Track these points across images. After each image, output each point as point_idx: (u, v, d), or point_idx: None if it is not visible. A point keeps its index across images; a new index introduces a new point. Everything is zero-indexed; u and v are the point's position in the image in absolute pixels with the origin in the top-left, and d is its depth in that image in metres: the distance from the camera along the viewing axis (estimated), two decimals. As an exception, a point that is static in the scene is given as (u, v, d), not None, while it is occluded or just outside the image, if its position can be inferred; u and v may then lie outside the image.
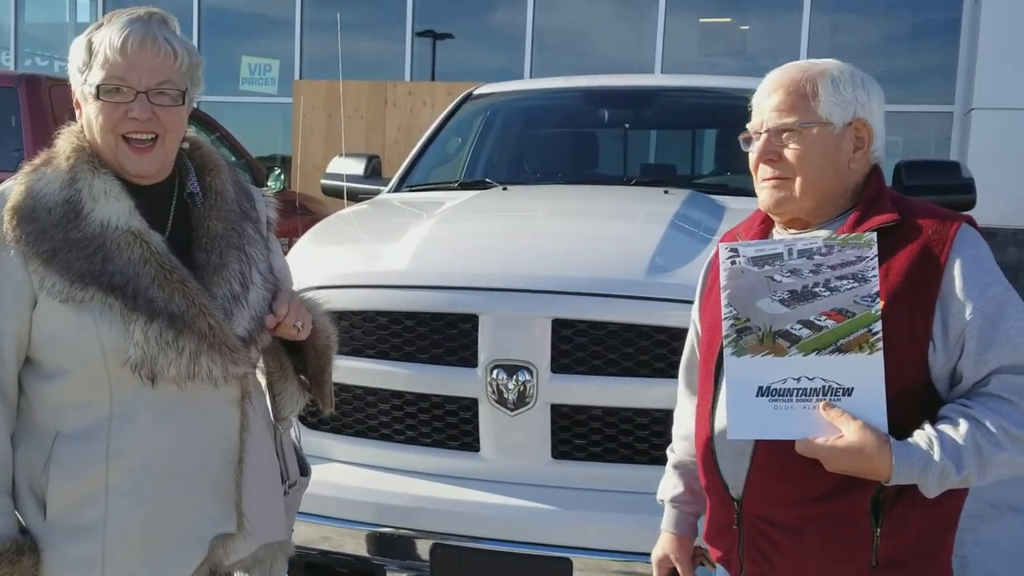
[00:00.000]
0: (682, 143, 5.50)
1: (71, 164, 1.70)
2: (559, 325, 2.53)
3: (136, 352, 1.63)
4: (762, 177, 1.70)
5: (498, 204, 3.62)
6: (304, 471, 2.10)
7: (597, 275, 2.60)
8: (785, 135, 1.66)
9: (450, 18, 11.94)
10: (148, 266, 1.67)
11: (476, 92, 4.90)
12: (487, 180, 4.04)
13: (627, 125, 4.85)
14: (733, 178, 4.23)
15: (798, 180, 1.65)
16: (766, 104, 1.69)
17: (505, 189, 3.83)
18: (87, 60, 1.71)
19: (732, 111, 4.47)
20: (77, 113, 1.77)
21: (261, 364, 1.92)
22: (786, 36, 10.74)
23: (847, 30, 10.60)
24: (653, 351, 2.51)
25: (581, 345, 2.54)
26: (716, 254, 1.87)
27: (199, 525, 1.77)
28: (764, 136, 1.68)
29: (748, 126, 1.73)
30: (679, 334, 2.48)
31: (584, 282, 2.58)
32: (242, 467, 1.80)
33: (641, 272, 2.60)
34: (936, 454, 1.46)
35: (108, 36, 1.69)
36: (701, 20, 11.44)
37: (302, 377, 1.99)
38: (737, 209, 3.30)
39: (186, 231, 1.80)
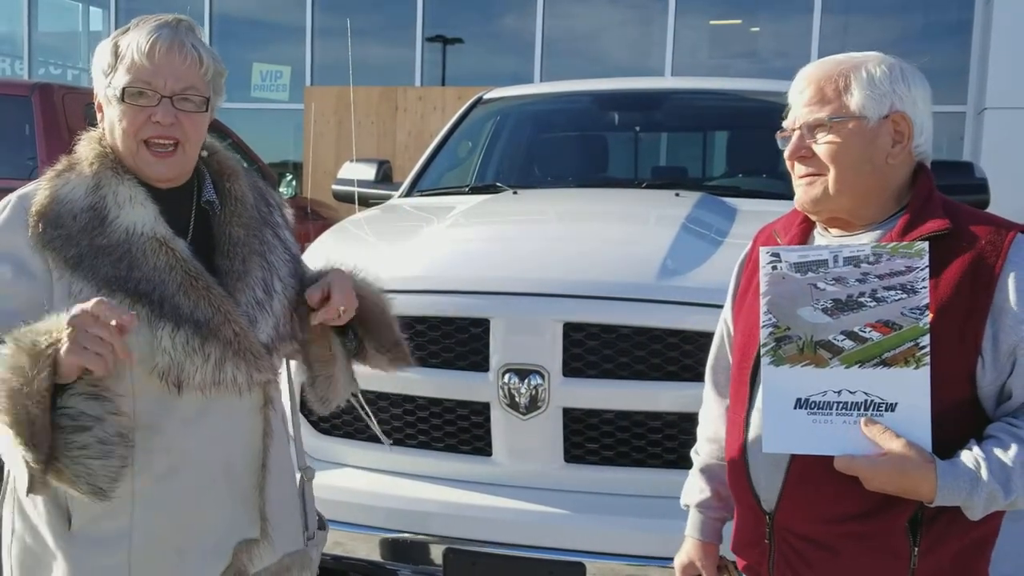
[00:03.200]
0: (693, 145, 5.50)
1: (95, 170, 1.70)
2: (570, 329, 2.53)
3: (163, 359, 1.63)
4: (796, 175, 1.64)
5: (509, 208, 3.62)
6: (322, 526, 2.06)
7: (608, 278, 2.60)
8: (817, 131, 1.60)
9: (460, 23, 11.97)
10: (174, 273, 1.67)
11: (486, 97, 4.90)
12: (498, 184, 4.04)
13: (638, 128, 4.84)
14: (745, 180, 4.22)
15: (831, 176, 1.59)
16: (798, 100, 1.63)
17: (516, 193, 3.83)
18: (112, 63, 1.71)
19: (743, 113, 4.49)
20: (99, 116, 1.77)
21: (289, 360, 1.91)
22: (797, 37, 10.72)
23: (858, 31, 10.57)
24: (665, 354, 2.50)
25: (593, 349, 2.53)
26: (750, 252, 1.84)
27: (223, 532, 1.77)
28: (796, 133, 1.62)
29: (784, 123, 1.68)
30: (691, 337, 2.48)
31: (595, 286, 2.57)
32: (265, 473, 1.80)
33: (652, 275, 2.59)
34: (984, 477, 1.40)
35: (136, 40, 1.69)
36: (711, 22, 11.42)
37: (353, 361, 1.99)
38: (749, 211, 3.29)
39: (207, 238, 1.80)
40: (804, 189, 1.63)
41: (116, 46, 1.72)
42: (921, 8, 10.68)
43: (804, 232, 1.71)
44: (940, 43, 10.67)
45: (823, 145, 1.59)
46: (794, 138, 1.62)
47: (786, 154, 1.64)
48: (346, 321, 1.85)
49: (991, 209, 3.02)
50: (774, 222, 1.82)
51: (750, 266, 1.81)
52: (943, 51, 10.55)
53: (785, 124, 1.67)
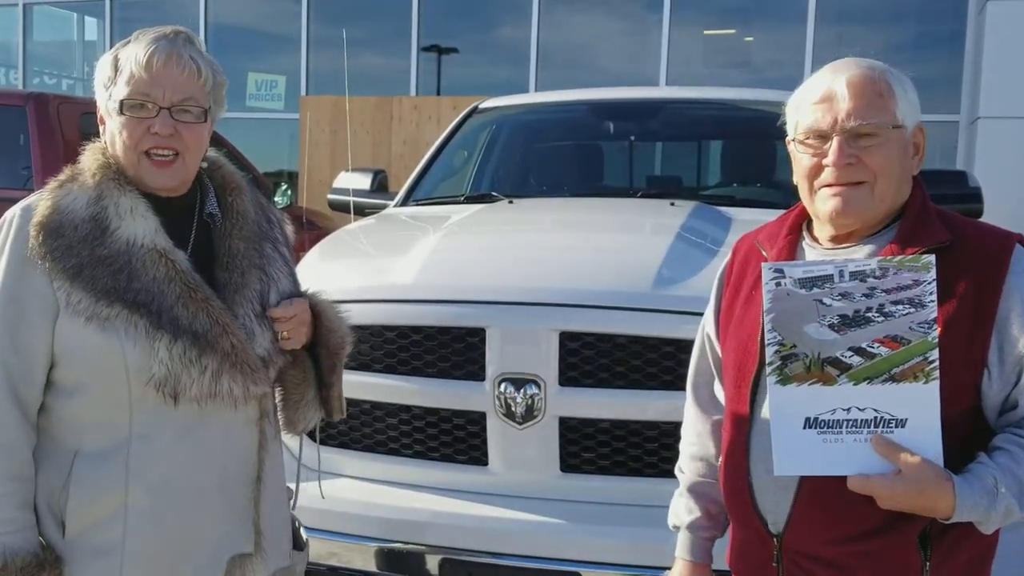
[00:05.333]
0: (688, 155, 5.51)
1: (97, 181, 1.72)
2: (566, 338, 2.52)
3: (160, 370, 1.64)
4: (831, 182, 1.56)
5: (504, 217, 3.62)
6: (299, 546, 2.04)
7: (604, 288, 2.60)
8: (863, 139, 1.53)
9: (455, 33, 12.00)
10: (173, 284, 1.68)
11: (481, 106, 4.91)
12: (493, 193, 4.04)
13: (632, 138, 4.85)
14: (739, 189, 4.23)
15: (878, 186, 1.54)
16: (841, 106, 1.54)
17: (511, 202, 3.83)
18: (112, 76, 1.73)
19: (738, 122, 4.50)
20: (101, 129, 1.79)
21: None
22: (790, 47, 10.76)
23: (852, 41, 10.60)
24: (661, 363, 2.50)
25: (589, 358, 2.53)
26: (730, 263, 1.81)
27: (217, 545, 1.77)
28: (838, 139, 1.54)
29: (808, 128, 1.58)
30: (687, 346, 2.46)
31: (591, 295, 2.57)
32: (260, 486, 1.81)
33: (648, 284, 2.59)
34: (1000, 492, 1.40)
35: (134, 53, 1.71)
36: (705, 32, 11.46)
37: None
38: (744, 220, 3.29)
39: (207, 250, 1.81)
40: (842, 199, 1.55)
41: (116, 59, 1.74)
42: (914, 18, 10.73)
43: (792, 244, 1.67)
44: (933, 53, 10.72)
45: (874, 153, 1.54)
46: (835, 145, 1.55)
47: (832, 160, 1.55)
48: (289, 348, 1.85)
49: (985, 218, 3.04)
50: (755, 232, 1.79)
51: (732, 278, 1.78)
52: (936, 61, 10.60)
53: (818, 129, 1.58)
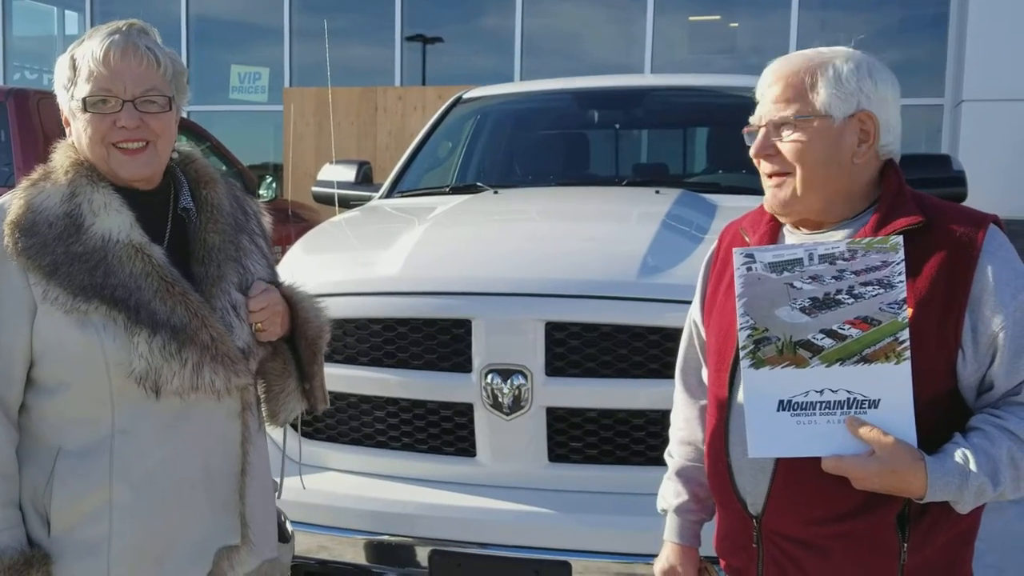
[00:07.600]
0: (673, 142, 5.50)
1: (70, 178, 1.71)
2: (552, 328, 2.52)
3: (140, 364, 1.63)
4: (763, 174, 1.62)
5: (490, 208, 3.62)
6: (284, 538, 2.03)
7: (589, 277, 2.60)
8: (782, 128, 1.57)
9: (439, 22, 11.95)
10: (150, 279, 1.67)
11: (466, 96, 4.89)
12: (478, 184, 4.03)
13: (617, 126, 4.85)
14: (724, 176, 4.23)
15: (797, 176, 1.57)
16: (766, 96, 1.60)
17: (496, 193, 3.82)
18: (72, 76, 1.72)
19: (722, 109, 4.50)
20: (67, 131, 1.78)
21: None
22: (775, 33, 10.77)
23: (836, 26, 10.62)
24: (647, 352, 2.50)
25: (575, 348, 2.53)
26: (716, 250, 1.82)
27: (203, 538, 1.77)
28: (762, 130, 1.60)
29: (751, 119, 1.64)
30: (673, 334, 2.47)
31: (577, 284, 2.57)
32: (245, 479, 1.81)
33: (633, 273, 2.59)
34: (972, 470, 1.40)
35: (90, 49, 1.70)
36: (690, 18, 11.46)
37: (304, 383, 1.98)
38: (729, 207, 3.30)
39: (183, 244, 1.80)
40: (773, 192, 1.61)
41: (73, 59, 1.73)
42: (898, 2, 10.75)
43: (773, 230, 1.69)
44: (917, 37, 10.75)
45: (788, 143, 1.57)
46: (759, 135, 1.60)
47: (751, 152, 1.61)
48: (265, 339, 1.84)
49: (969, 202, 3.04)
50: (740, 219, 1.80)
51: (717, 265, 1.79)
52: (920, 44, 10.64)
53: (752, 120, 1.64)
